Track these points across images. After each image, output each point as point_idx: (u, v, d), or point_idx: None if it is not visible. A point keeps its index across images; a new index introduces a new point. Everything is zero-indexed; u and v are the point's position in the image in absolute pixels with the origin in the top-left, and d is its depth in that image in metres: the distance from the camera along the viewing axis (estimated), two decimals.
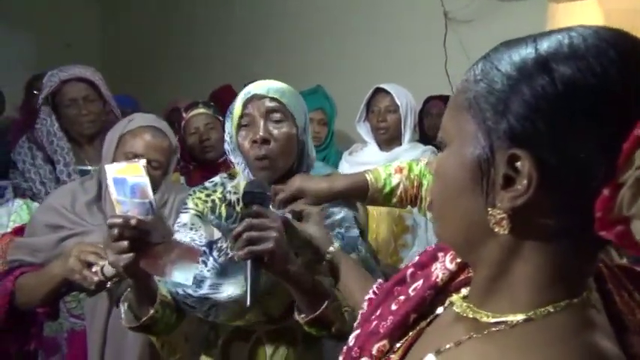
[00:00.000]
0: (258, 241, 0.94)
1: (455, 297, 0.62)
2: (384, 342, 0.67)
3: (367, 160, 2.29)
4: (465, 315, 0.57)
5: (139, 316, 1.07)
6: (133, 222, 0.95)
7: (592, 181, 0.45)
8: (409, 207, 2.08)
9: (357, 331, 0.73)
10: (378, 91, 2.35)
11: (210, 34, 3.99)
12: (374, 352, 0.68)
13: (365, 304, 0.92)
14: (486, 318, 0.54)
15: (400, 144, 2.30)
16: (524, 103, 0.48)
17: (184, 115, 2.31)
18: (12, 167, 1.95)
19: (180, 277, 1.02)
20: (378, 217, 2.11)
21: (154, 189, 1.45)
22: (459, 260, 0.66)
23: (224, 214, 1.20)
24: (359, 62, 3.30)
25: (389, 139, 2.31)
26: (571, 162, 0.46)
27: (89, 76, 1.98)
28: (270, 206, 1.08)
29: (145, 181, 0.97)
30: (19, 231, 1.62)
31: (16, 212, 1.70)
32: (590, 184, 0.45)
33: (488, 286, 0.54)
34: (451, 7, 2.95)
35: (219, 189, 1.24)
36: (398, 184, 1.20)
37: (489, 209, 0.50)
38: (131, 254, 0.96)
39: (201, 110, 2.30)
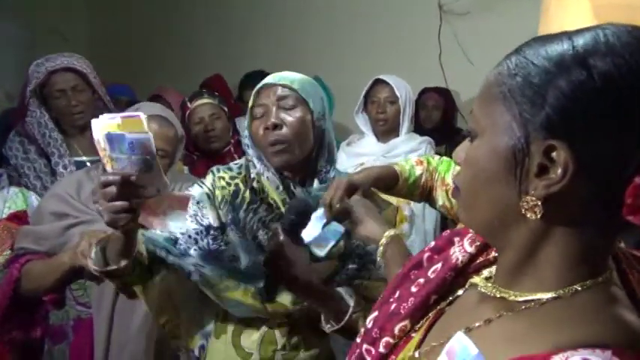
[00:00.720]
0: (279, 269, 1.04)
1: (477, 278, 0.65)
2: (406, 322, 0.70)
3: (365, 151, 2.33)
4: (491, 295, 0.59)
5: (109, 263, 1.03)
6: (133, 179, 0.89)
7: (624, 171, 0.48)
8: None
9: (375, 314, 0.75)
10: (378, 82, 2.37)
11: (206, 23, 3.96)
12: (396, 331, 0.70)
13: None
14: (514, 297, 0.56)
15: (397, 135, 2.33)
16: (562, 96, 0.50)
17: (189, 104, 2.29)
18: (4, 163, 1.92)
19: (175, 227, 1.02)
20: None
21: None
22: (478, 243, 0.69)
23: (247, 199, 1.20)
24: (355, 54, 3.32)
25: (387, 131, 2.34)
26: (605, 153, 0.49)
27: (77, 65, 1.94)
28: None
29: (147, 135, 0.88)
30: (13, 218, 1.63)
31: (12, 199, 1.68)
32: (623, 174, 0.48)
33: (516, 267, 0.57)
34: (446, 0, 2.97)
35: (244, 172, 1.24)
36: (421, 175, 1.24)
37: (523, 196, 0.53)
38: (129, 214, 0.91)
39: (206, 100, 2.29)
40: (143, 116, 0.89)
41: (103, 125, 0.89)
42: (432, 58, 3.02)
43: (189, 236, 1.14)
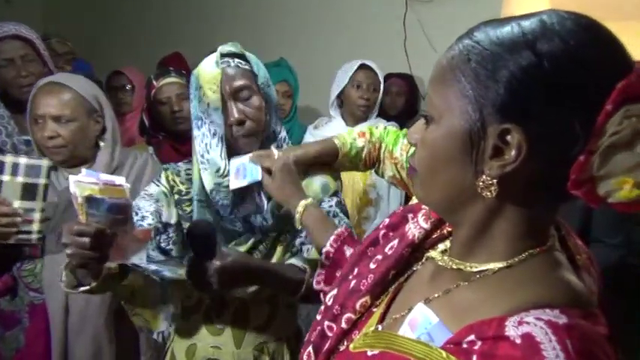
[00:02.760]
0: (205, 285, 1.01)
1: (433, 253, 0.68)
2: (366, 298, 0.73)
3: (332, 134, 2.32)
4: (448, 267, 0.63)
5: (82, 282, 1.07)
6: (108, 231, 0.95)
7: (571, 150, 0.52)
8: (372, 180, 2.16)
9: (334, 291, 0.78)
10: (363, 67, 2.36)
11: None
12: (357, 307, 0.73)
13: (329, 248, 0.99)
14: (470, 268, 0.60)
15: (366, 120, 2.35)
16: (514, 80, 0.52)
17: (155, 83, 2.19)
18: None
19: (136, 259, 1.04)
20: (342, 190, 2.16)
21: (91, 141, 1.53)
22: (432, 219, 0.72)
23: (187, 210, 1.22)
24: (321, 38, 3.29)
25: (364, 116, 2.35)
26: (555, 134, 0.52)
27: (25, 34, 1.81)
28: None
29: (129, 202, 0.98)
30: None
31: None
32: (570, 152, 0.52)
33: (471, 241, 0.61)
34: None
35: (186, 184, 1.24)
36: (363, 148, 1.24)
37: (479, 176, 0.56)
38: (97, 255, 0.96)
39: (173, 79, 2.19)
40: (127, 186, 0.97)
41: (84, 187, 0.93)
42: (396, 44, 3.04)
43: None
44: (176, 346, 1.26)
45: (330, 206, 1.22)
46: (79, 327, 1.50)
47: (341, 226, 1.04)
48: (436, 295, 0.61)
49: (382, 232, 0.79)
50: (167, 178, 1.24)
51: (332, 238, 1.00)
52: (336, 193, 1.25)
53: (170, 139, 2.22)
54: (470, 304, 0.57)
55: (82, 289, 1.06)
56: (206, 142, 1.16)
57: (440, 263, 0.65)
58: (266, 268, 1.12)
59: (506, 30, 0.54)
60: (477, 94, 0.54)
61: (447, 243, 0.69)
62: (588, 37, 0.53)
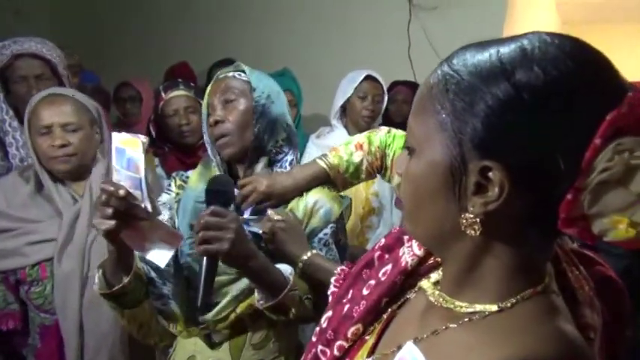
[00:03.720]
0: (213, 241, 0.99)
1: (425, 283, 0.65)
2: (358, 325, 0.71)
3: (335, 144, 2.32)
4: (438, 304, 0.60)
5: (112, 283, 1.08)
6: (121, 192, 0.96)
7: (558, 186, 0.49)
8: (375, 189, 2.17)
9: (329, 314, 0.76)
10: (368, 78, 2.37)
11: (174, 10, 3.87)
12: (349, 335, 0.71)
13: (333, 288, 0.95)
14: (460, 308, 0.57)
15: (368, 129, 2.35)
16: (491, 114, 0.49)
17: (163, 95, 2.20)
18: None
19: (156, 258, 1.04)
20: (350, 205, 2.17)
21: (93, 152, 1.53)
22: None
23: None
24: (325, 47, 3.31)
25: (368, 127, 2.34)
26: (539, 171, 0.49)
27: (45, 53, 1.83)
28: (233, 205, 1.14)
29: (140, 156, 0.99)
30: None
31: None
32: (557, 189, 0.49)
33: (460, 278, 0.58)
34: None
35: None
36: (361, 161, 1.22)
37: (462, 213, 0.53)
38: (112, 222, 0.97)
39: (182, 92, 2.19)
40: (142, 139, 1.00)
41: (116, 139, 1.01)
42: (401, 52, 3.05)
43: None
44: (177, 355, 1.27)
45: (325, 234, 1.22)
46: (95, 346, 1.48)
47: (341, 264, 1.03)
48: (425, 335, 0.58)
49: (377, 253, 0.76)
50: (176, 184, 1.27)
51: (333, 279, 0.98)
52: (336, 220, 1.25)
53: (176, 151, 2.23)
54: (457, 349, 0.54)
55: (117, 287, 1.07)
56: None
57: (431, 298, 0.62)
58: (261, 256, 1.10)
59: (484, 58, 0.51)
60: (455, 127, 0.51)
61: (440, 272, 0.66)
62: (573, 65, 0.49)
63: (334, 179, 1.23)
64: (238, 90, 1.22)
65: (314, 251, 1.13)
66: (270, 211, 1.17)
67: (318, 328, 0.76)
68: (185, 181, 1.28)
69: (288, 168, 1.25)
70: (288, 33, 3.44)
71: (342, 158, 1.22)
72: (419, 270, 0.70)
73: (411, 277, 0.70)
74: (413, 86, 2.90)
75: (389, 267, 0.72)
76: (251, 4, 3.58)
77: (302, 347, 1.34)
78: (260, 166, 1.24)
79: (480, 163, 0.50)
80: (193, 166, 1.32)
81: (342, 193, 1.30)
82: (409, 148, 0.58)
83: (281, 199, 1.21)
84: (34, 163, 1.50)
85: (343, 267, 1.00)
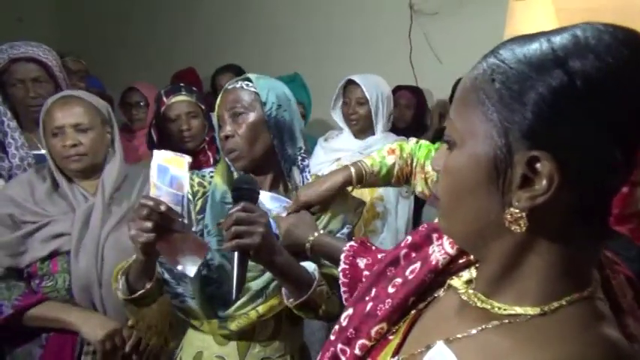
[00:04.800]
0: (245, 235, 1.00)
1: (457, 281, 0.63)
2: (383, 324, 0.68)
3: (341, 147, 2.36)
4: (472, 304, 0.57)
5: (135, 289, 1.12)
6: (162, 208, 1.01)
7: (612, 179, 0.46)
8: (379, 194, 2.18)
9: (350, 312, 0.73)
10: (350, 82, 2.39)
11: (180, 16, 3.89)
12: (372, 334, 0.68)
13: (343, 265, 0.97)
14: (497, 310, 0.54)
15: (374, 133, 2.36)
16: (542, 103, 0.47)
17: (165, 99, 2.19)
18: None
19: (186, 269, 1.08)
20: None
21: (105, 151, 1.57)
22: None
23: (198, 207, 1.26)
24: (328, 52, 3.34)
25: (360, 130, 2.37)
26: (591, 162, 0.46)
27: (41, 57, 1.87)
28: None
29: (185, 175, 1.06)
30: None
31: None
32: (609, 183, 0.47)
33: (498, 277, 0.55)
34: (416, 0, 3.03)
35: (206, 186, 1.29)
36: (393, 165, 1.26)
37: (506, 208, 0.50)
38: (152, 235, 1.01)
39: (183, 98, 2.19)
40: (187, 159, 1.07)
41: (159, 157, 1.07)
42: (402, 57, 3.07)
43: None
44: (184, 353, 1.28)
45: (342, 234, 1.25)
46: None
47: (349, 242, 1.05)
48: (459, 336, 0.55)
49: (404, 251, 0.73)
50: (198, 183, 1.28)
51: (343, 255, 0.99)
52: (352, 222, 1.28)
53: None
54: (496, 352, 0.51)
55: (139, 292, 1.10)
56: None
57: (464, 297, 0.59)
58: (285, 252, 1.11)
59: (534, 47, 0.49)
60: (502, 117, 0.49)
61: (473, 271, 0.63)
62: (628, 53, 0.47)
63: (368, 180, 1.26)
64: (246, 102, 1.22)
65: (321, 231, 1.15)
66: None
67: (337, 327, 0.74)
68: (203, 179, 1.29)
69: (307, 176, 1.29)
70: (291, 39, 3.47)
71: (376, 160, 1.26)
72: (449, 269, 0.67)
73: (440, 275, 0.67)
74: (416, 91, 2.92)
75: (417, 265, 0.69)
76: (256, 10, 3.61)
77: (305, 348, 1.37)
78: (296, 176, 1.27)
79: (528, 153, 0.48)
80: None
81: (356, 196, 1.32)
82: (449, 142, 0.56)
83: (321, 205, 1.23)
84: (49, 163, 1.55)
85: (352, 243, 1.01)
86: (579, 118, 0.46)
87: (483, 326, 0.54)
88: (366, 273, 0.96)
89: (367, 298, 0.72)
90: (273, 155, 1.24)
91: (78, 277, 1.46)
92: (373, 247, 1.02)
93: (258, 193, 1.10)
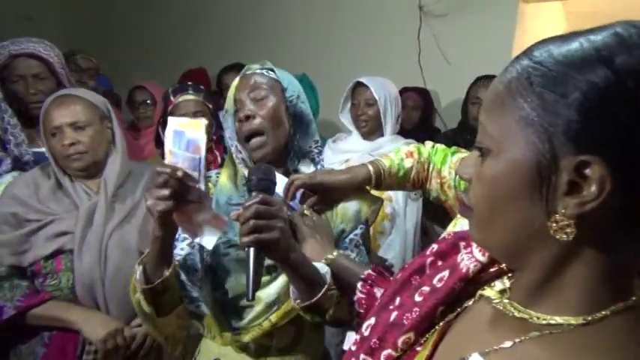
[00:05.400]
0: (264, 229, 0.93)
1: (490, 291, 0.60)
2: (410, 334, 0.65)
3: (350, 149, 2.36)
4: (508, 314, 0.55)
5: (152, 279, 1.06)
6: (179, 173, 0.97)
7: None
8: (388, 195, 2.16)
9: (372, 321, 0.70)
10: (358, 84, 2.38)
11: (187, 15, 3.90)
12: (399, 344, 0.65)
13: (359, 294, 0.92)
14: (537, 320, 0.52)
15: (382, 134, 2.35)
16: (588, 103, 0.45)
17: (172, 98, 2.17)
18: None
19: (205, 241, 1.04)
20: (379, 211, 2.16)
21: (106, 147, 1.55)
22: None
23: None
24: (336, 53, 3.32)
25: (369, 131, 2.36)
26: None
27: (42, 53, 1.86)
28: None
29: (202, 137, 1.02)
30: None
31: (6, 182, 1.61)
32: None
33: (537, 287, 0.53)
34: (426, 1, 3.01)
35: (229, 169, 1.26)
36: (411, 168, 1.23)
37: (551, 216, 0.48)
38: (170, 202, 0.97)
39: (191, 97, 2.17)
40: (204, 121, 1.02)
41: (174, 122, 1.04)
42: (411, 58, 3.06)
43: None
44: (202, 357, 1.25)
45: (355, 235, 1.20)
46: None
47: (367, 268, 1.00)
48: (495, 348, 0.52)
49: (430, 259, 0.70)
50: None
51: (360, 284, 0.94)
52: (365, 222, 1.23)
53: None
54: None
55: (158, 281, 1.05)
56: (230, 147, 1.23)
57: (499, 307, 0.56)
58: (299, 249, 1.06)
59: (574, 47, 0.47)
60: (544, 121, 0.47)
61: (506, 281, 0.61)
62: None
63: (385, 181, 1.23)
64: (268, 86, 1.18)
65: (340, 251, 1.10)
66: (303, 206, 1.16)
67: (358, 337, 0.71)
68: (209, 180, 1.26)
69: (320, 166, 1.25)
70: (300, 40, 3.46)
71: (394, 161, 1.23)
72: (479, 278, 0.64)
73: (470, 284, 0.65)
74: (423, 93, 2.91)
75: (445, 273, 0.66)
76: (264, 11, 3.60)
77: (328, 353, 1.33)
78: (306, 170, 1.22)
79: (576, 158, 0.46)
80: None
81: (376, 194, 1.28)
82: (482, 149, 0.53)
83: (329, 191, 1.18)
84: (51, 163, 1.54)
85: (369, 271, 0.97)
86: (629, 118, 0.44)
87: (522, 337, 0.51)
88: None
89: (391, 307, 0.69)
90: (291, 149, 1.21)
91: (81, 276, 1.45)
92: (391, 278, 0.96)
93: (275, 184, 1.03)
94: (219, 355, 1.22)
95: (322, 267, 1.08)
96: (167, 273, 1.05)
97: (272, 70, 1.22)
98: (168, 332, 1.16)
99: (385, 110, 2.32)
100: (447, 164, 1.19)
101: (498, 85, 0.52)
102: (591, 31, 0.48)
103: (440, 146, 1.26)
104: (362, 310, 0.94)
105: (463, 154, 1.21)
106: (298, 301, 1.05)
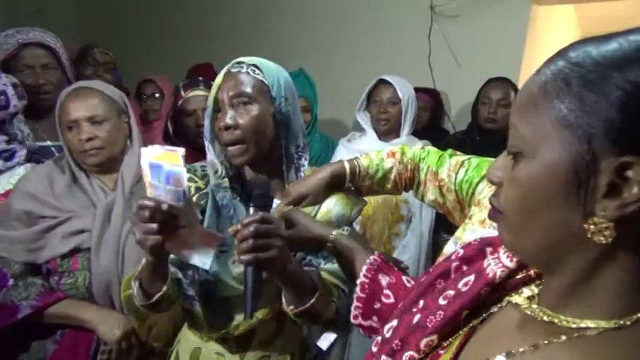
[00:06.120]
0: (263, 249, 0.93)
1: (518, 298, 0.60)
2: (433, 337, 0.64)
3: (365, 149, 2.31)
4: (537, 318, 0.55)
5: (151, 293, 1.07)
6: (164, 207, 0.96)
7: None
8: (405, 197, 2.15)
9: (394, 323, 0.70)
10: (381, 82, 2.35)
11: (196, 10, 3.90)
12: (422, 346, 0.65)
13: (363, 278, 0.92)
14: (567, 323, 0.51)
15: (398, 136, 2.33)
16: (631, 102, 0.44)
17: (182, 93, 2.17)
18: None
19: (199, 262, 1.04)
20: (374, 205, 2.14)
21: (123, 142, 1.52)
22: (517, 258, 0.63)
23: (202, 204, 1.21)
24: (344, 52, 3.30)
25: (388, 131, 2.33)
26: None
27: (50, 42, 1.84)
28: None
29: (181, 169, 0.97)
30: (5, 195, 1.55)
31: (18, 175, 1.60)
32: None
33: (569, 291, 0.52)
34: (438, 2, 3.00)
35: (203, 180, 1.24)
36: (391, 169, 1.18)
37: (590, 219, 0.47)
38: (159, 236, 0.96)
39: (201, 92, 2.16)
40: (181, 152, 0.97)
41: (149, 154, 0.98)
42: (421, 59, 3.04)
43: None
44: (181, 348, 1.25)
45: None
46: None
47: (367, 251, 1.00)
48: (521, 350, 0.52)
49: (455, 264, 0.70)
50: (188, 179, 1.22)
51: (365, 267, 0.94)
52: (350, 223, 1.21)
53: (192, 149, 2.14)
54: None
55: (157, 296, 1.06)
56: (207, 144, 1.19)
57: (527, 312, 0.56)
58: (294, 259, 1.06)
59: (613, 47, 0.47)
60: (583, 122, 0.46)
61: (534, 288, 0.61)
62: None
63: (359, 183, 1.19)
64: (253, 91, 1.11)
65: (339, 230, 1.08)
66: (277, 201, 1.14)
67: (379, 338, 0.71)
68: (195, 174, 1.23)
69: (301, 175, 1.20)
70: (310, 38, 3.45)
71: (373, 161, 1.19)
72: (506, 284, 0.64)
73: (496, 290, 0.64)
74: (432, 93, 2.90)
75: (471, 278, 0.66)
76: (275, 9, 3.60)
77: (306, 346, 1.33)
78: (292, 176, 1.20)
79: (617, 160, 0.45)
80: None
81: (364, 198, 1.26)
82: (514, 153, 0.53)
83: (314, 197, 1.16)
84: (67, 157, 1.50)
85: (376, 257, 0.96)
86: None
87: (550, 339, 0.51)
88: (387, 292, 0.92)
89: (414, 310, 0.69)
90: (273, 152, 1.17)
91: (98, 275, 1.42)
92: (395, 268, 0.97)
93: (272, 199, 1.03)
94: (200, 344, 1.22)
95: (314, 272, 1.10)
96: (165, 288, 1.06)
97: (258, 69, 1.14)
98: (150, 322, 1.19)
99: (406, 110, 2.30)
100: (444, 166, 1.16)
101: (532, 87, 0.51)
102: (630, 31, 0.48)
103: (432, 148, 1.23)
104: (363, 295, 0.93)
105: (460, 157, 1.19)
106: (292, 307, 1.05)
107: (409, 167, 1.20)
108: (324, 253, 1.16)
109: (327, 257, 1.18)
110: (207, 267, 1.05)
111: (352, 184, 1.20)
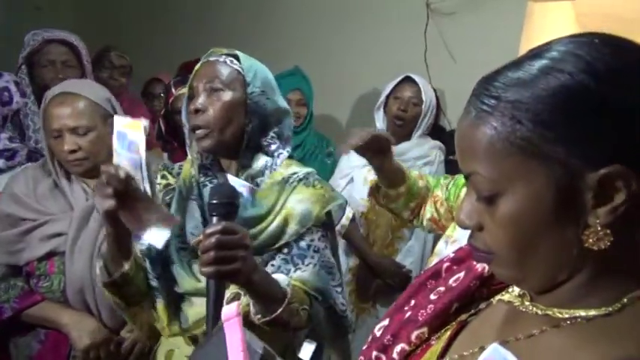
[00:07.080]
0: (226, 261, 0.91)
1: (509, 295, 0.61)
2: (424, 329, 0.65)
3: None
4: (530, 312, 0.56)
5: (112, 271, 1.08)
6: (121, 173, 1.00)
7: None
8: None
9: (385, 323, 0.71)
10: (406, 79, 2.32)
11: (197, 8, 3.90)
12: (412, 338, 0.65)
13: None
14: (559, 314, 0.53)
15: (409, 138, 2.29)
16: (584, 118, 0.47)
17: (173, 91, 2.15)
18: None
19: (152, 239, 1.04)
20: (378, 209, 2.11)
21: (106, 150, 1.44)
22: None
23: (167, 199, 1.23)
24: (339, 48, 3.28)
25: (400, 133, 2.26)
26: None
27: (74, 41, 1.96)
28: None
29: (141, 138, 1.05)
30: None
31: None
32: None
33: (566, 291, 0.54)
34: None
35: (176, 178, 1.25)
36: (421, 188, 1.28)
37: (586, 230, 0.49)
38: (113, 201, 0.99)
39: None
40: (143, 122, 1.05)
41: (119, 123, 1.07)
42: (417, 56, 3.03)
43: None
44: (159, 349, 1.25)
45: (312, 240, 1.15)
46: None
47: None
48: (515, 338, 0.54)
49: (446, 264, 0.71)
50: (161, 176, 1.26)
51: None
52: (324, 225, 1.18)
53: (184, 146, 2.16)
54: (560, 350, 0.50)
55: (117, 274, 1.07)
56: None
57: (521, 308, 0.57)
58: (261, 267, 1.04)
59: (528, 72, 0.50)
60: (550, 150, 0.48)
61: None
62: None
63: (400, 191, 1.26)
64: (227, 79, 1.13)
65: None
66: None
67: (370, 337, 0.72)
68: (171, 173, 1.24)
69: (280, 164, 1.19)
70: (306, 35, 3.43)
71: (412, 174, 1.30)
72: (494, 280, 0.65)
73: (484, 285, 0.65)
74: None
75: (461, 274, 0.67)
76: (273, 7, 3.59)
77: (291, 347, 1.28)
78: (260, 164, 1.18)
79: (597, 174, 0.47)
80: None
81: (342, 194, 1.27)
82: (486, 198, 0.53)
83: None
84: (48, 163, 1.49)
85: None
86: (626, 119, 0.47)
87: (544, 328, 0.53)
88: None
89: (406, 308, 0.70)
90: (241, 141, 1.16)
91: (72, 280, 1.42)
92: None
93: (238, 207, 0.99)
94: (174, 346, 1.21)
95: (284, 280, 1.06)
96: (126, 267, 1.07)
97: (237, 59, 1.16)
98: (143, 322, 1.17)
99: (425, 114, 2.26)
100: (439, 184, 1.25)
101: (480, 137, 0.52)
102: (530, 57, 0.51)
103: (428, 176, 1.34)
104: None
105: (448, 179, 1.29)
106: (259, 316, 1.03)
107: (426, 196, 1.30)
108: (294, 259, 1.14)
109: (298, 264, 1.15)
110: (159, 245, 1.04)
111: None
